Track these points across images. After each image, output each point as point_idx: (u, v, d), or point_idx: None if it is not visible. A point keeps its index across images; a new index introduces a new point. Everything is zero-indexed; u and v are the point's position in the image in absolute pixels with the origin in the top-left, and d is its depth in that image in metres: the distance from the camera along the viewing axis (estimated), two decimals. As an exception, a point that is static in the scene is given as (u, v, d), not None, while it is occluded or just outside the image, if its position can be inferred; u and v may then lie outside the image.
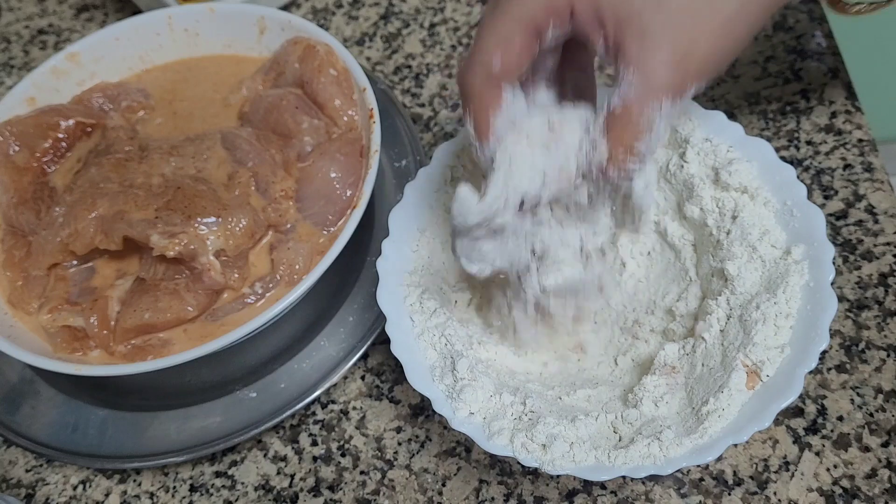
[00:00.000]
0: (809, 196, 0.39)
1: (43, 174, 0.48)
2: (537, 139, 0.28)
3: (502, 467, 0.43)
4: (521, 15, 0.26)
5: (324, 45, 0.49)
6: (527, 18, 0.26)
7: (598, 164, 0.27)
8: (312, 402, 0.45)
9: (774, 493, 0.40)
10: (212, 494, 0.44)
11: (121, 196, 0.43)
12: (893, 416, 0.41)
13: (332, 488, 0.43)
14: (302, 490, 0.44)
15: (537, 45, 0.27)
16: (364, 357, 0.47)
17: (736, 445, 0.40)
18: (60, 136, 0.48)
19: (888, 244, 0.46)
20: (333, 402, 0.46)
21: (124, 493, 0.45)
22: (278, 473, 0.44)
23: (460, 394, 0.36)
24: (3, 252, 0.45)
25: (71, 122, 0.48)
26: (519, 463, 0.35)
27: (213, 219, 0.42)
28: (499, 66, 0.27)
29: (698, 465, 0.41)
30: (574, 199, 0.30)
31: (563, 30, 0.27)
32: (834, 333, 0.44)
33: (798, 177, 0.39)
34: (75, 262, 0.45)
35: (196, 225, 0.42)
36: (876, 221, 0.47)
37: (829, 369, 0.43)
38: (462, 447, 0.44)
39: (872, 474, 0.40)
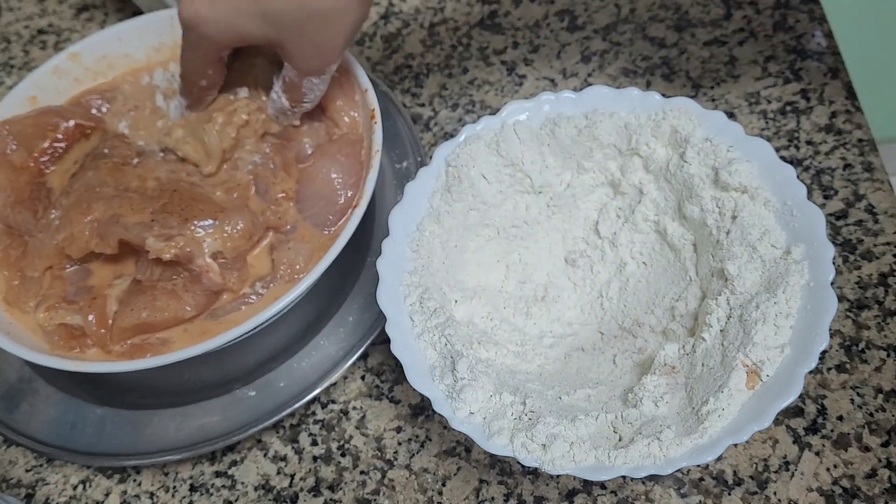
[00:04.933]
0: (809, 196, 0.39)
1: (40, 174, 0.48)
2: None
3: (502, 467, 0.43)
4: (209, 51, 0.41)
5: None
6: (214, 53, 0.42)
7: (281, 107, 0.45)
8: (312, 402, 0.45)
9: (774, 493, 0.40)
10: (212, 494, 0.44)
11: (116, 200, 0.43)
12: (893, 416, 0.41)
13: (332, 488, 0.43)
14: (302, 490, 0.44)
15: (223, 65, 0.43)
16: (364, 357, 0.47)
17: (736, 445, 0.40)
18: (59, 136, 0.48)
19: (888, 244, 0.46)
20: (333, 401, 0.46)
21: (124, 492, 0.45)
22: (278, 473, 0.44)
23: (460, 394, 0.36)
24: (0, 251, 0.45)
25: (71, 123, 0.48)
26: (519, 463, 0.35)
27: (209, 221, 0.42)
28: (205, 83, 0.44)
29: (698, 465, 0.41)
30: None
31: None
32: (834, 333, 0.44)
33: (798, 177, 0.39)
34: (71, 264, 0.45)
35: (192, 228, 0.42)
36: (876, 221, 0.47)
37: (829, 369, 0.43)
38: (462, 447, 0.44)
39: (872, 474, 0.40)
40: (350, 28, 0.40)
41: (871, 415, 0.41)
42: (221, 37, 0.39)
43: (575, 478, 0.42)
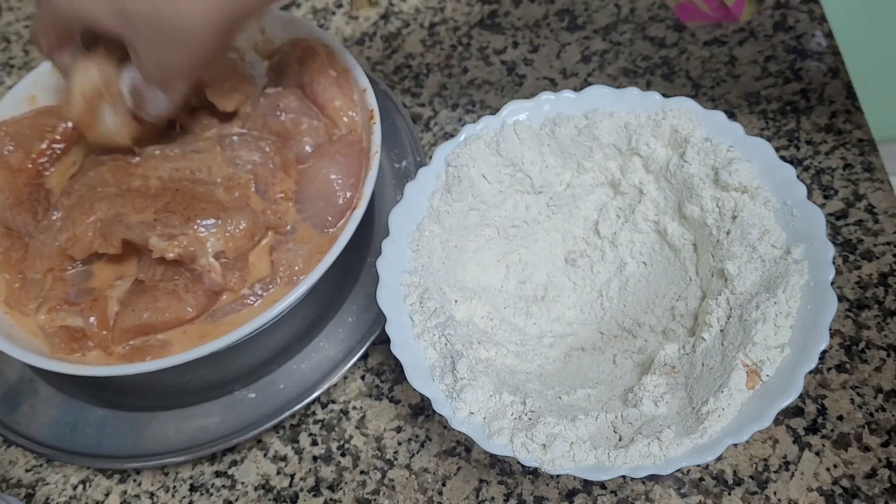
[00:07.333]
0: (809, 196, 0.39)
1: (39, 176, 0.48)
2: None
3: (502, 467, 0.43)
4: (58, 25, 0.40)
5: (323, 45, 0.49)
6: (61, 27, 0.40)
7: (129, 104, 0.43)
8: (312, 403, 0.45)
9: (774, 493, 0.40)
10: (212, 494, 0.44)
11: (119, 199, 0.43)
12: (893, 415, 0.41)
13: (332, 488, 0.43)
14: (302, 490, 0.44)
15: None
16: (364, 357, 0.47)
17: (736, 445, 0.40)
18: (57, 137, 0.48)
19: (888, 244, 0.46)
20: (333, 401, 0.46)
21: (124, 492, 0.45)
22: (278, 473, 0.44)
23: (460, 393, 0.36)
24: (0, 254, 0.45)
25: (68, 124, 0.48)
26: (519, 463, 0.35)
27: (212, 220, 0.42)
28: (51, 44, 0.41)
29: (698, 465, 0.41)
30: None
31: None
32: (834, 333, 0.44)
33: (798, 176, 0.39)
34: (73, 265, 0.45)
35: (195, 227, 0.42)
36: (876, 221, 0.47)
37: (829, 369, 0.43)
38: (462, 447, 0.44)
39: (872, 474, 0.40)
40: (198, 53, 0.38)
41: (871, 415, 0.41)
42: (68, 11, 0.38)
43: (575, 478, 0.42)
